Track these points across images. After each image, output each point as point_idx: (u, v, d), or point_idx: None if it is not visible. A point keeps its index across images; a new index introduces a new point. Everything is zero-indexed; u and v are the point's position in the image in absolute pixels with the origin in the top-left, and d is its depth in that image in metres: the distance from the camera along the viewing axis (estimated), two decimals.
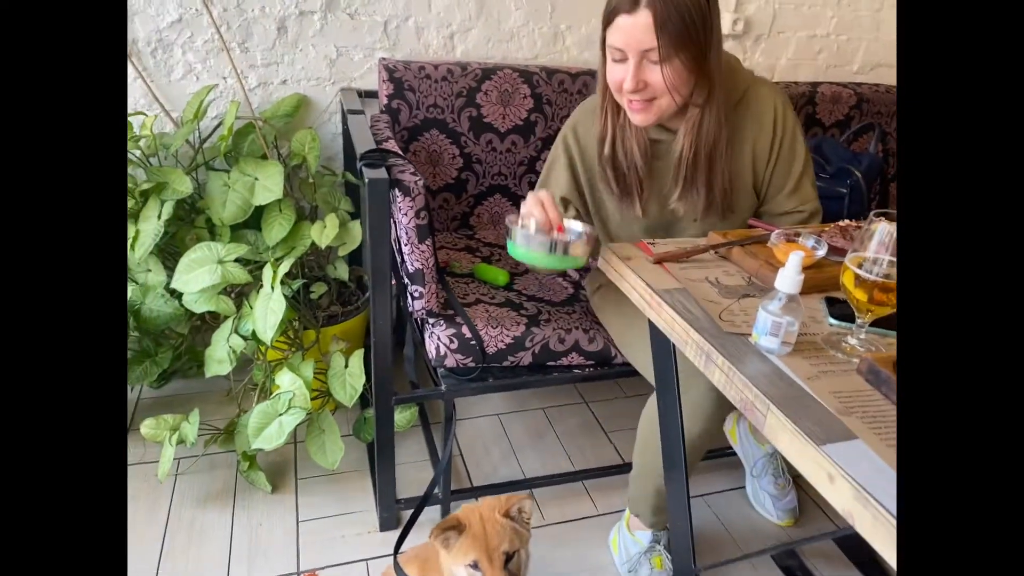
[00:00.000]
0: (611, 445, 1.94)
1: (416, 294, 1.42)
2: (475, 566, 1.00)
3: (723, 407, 1.23)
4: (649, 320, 1.05)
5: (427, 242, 1.36)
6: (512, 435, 1.94)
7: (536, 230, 1.08)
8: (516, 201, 1.98)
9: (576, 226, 1.13)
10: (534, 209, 1.11)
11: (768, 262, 1.03)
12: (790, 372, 0.80)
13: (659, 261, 1.06)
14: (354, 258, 1.95)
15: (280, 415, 1.50)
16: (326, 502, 1.67)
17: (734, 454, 1.80)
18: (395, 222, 1.37)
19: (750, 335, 0.86)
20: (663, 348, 1.05)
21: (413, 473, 1.75)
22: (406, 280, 1.43)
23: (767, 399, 0.74)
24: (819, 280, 0.99)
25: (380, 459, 1.52)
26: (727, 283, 1.02)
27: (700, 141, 1.23)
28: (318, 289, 1.80)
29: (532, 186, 1.95)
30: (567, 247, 1.04)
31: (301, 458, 1.79)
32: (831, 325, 0.91)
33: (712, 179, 1.26)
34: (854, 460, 0.65)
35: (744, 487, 1.78)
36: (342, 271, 1.79)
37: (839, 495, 0.65)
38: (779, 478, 1.70)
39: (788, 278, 0.81)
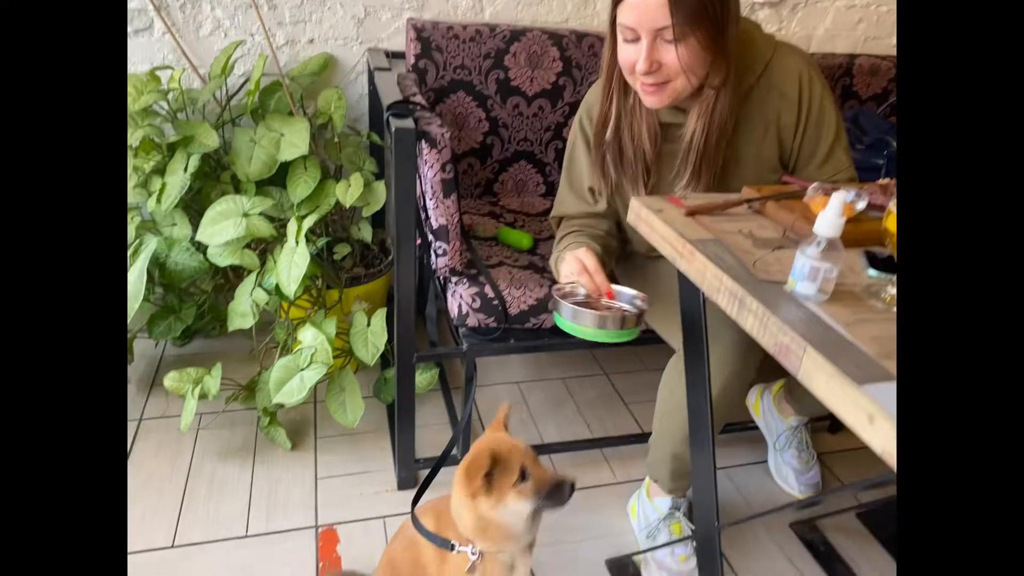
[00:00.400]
0: (631, 415, 1.92)
1: (440, 251, 1.41)
2: (523, 476, 0.96)
3: (751, 362, 1.21)
4: (678, 273, 1.03)
5: (452, 197, 1.35)
6: (531, 403, 1.93)
7: (584, 299, 1.05)
8: (541, 168, 1.96)
9: (626, 291, 1.10)
10: (580, 276, 1.11)
11: (804, 216, 1.00)
12: (827, 318, 0.77)
13: (691, 213, 1.03)
14: (377, 221, 1.95)
15: (301, 370, 1.50)
16: (345, 460, 1.67)
17: (756, 428, 1.77)
18: (420, 176, 1.35)
19: (785, 283, 0.84)
20: (692, 300, 1.03)
21: (432, 436, 1.75)
22: (430, 237, 1.42)
23: (804, 340, 0.72)
24: (858, 234, 0.95)
25: (400, 417, 1.52)
26: (761, 235, 0.99)
27: (713, 125, 1.17)
28: (341, 250, 1.80)
29: (559, 154, 1.92)
30: (623, 321, 1.00)
31: (321, 417, 1.80)
32: (870, 277, 0.88)
33: (718, 163, 1.22)
34: (895, 400, 0.63)
35: (766, 461, 1.75)
36: (366, 232, 1.78)
37: (878, 435, 0.63)
38: (803, 452, 1.67)
39: (828, 221, 0.78)
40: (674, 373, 1.31)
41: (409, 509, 1.14)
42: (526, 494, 0.97)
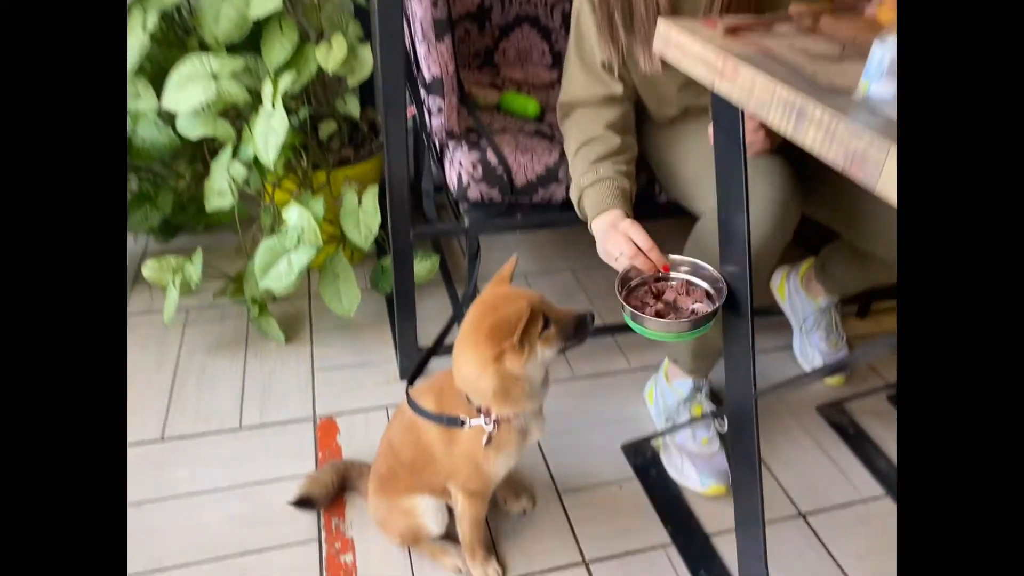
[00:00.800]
0: None
1: (434, 108, 1.25)
2: (547, 323, 0.90)
3: (787, 223, 1.08)
4: (714, 102, 0.87)
5: (445, 40, 1.17)
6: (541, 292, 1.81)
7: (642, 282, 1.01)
8: (547, 35, 1.75)
9: (684, 262, 1.03)
10: (635, 259, 1.02)
11: (868, 28, 0.83)
12: None
13: (731, 31, 0.86)
14: (366, 98, 1.77)
15: (288, 252, 1.37)
16: (343, 352, 1.57)
17: (779, 314, 1.66)
18: (408, 18, 1.17)
19: (853, 91, 0.68)
20: (730, 130, 0.88)
21: (434, 328, 1.64)
22: (423, 94, 1.26)
23: (887, 140, 0.58)
24: None
25: (399, 303, 1.40)
26: (816, 51, 0.83)
27: None
28: (327, 127, 1.63)
29: (566, 19, 1.71)
30: (708, 318, 0.95)
31: (316, 309, 1.69)
32: None
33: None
34: None
35: (791, 347, 1.65)
36: (352, 106, 1.61)
37: None
38: (831, 334, 1.56)
39: None
40: (700, 240, 1.18)
41: (408, 390, 1.04)
42: (552, 340, 0.91)
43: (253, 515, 1.19)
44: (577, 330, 0.94)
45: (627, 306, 0.96)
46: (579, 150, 1.19)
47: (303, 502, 1.16)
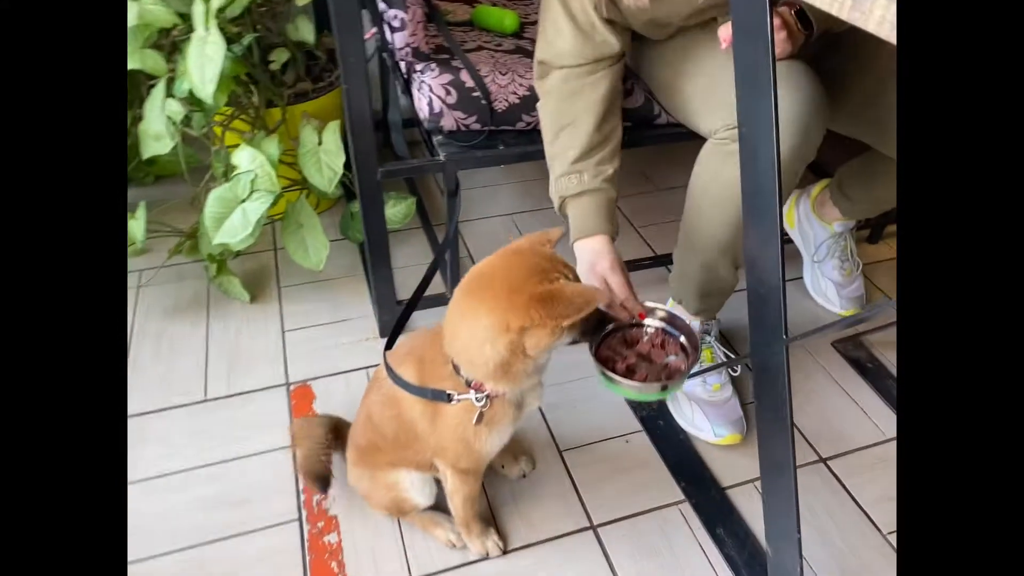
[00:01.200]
0: (641, 239, 1.67)
1: (396, 22, 1.07)
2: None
3: (819, 123, 0.94)
4: None
5: None
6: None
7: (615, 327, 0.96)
8: None
9: (659, 309, 0.98)
10: (609, 306, 0.95)
11: None
12: None
13: None
14: (321, 23, 1.56)
15: (242, 201, 1.21)
16: (316, 310, 1.44)
17: (789, 242, 1.53)
18: None
19: None
20: (754, 28, 0.72)
21: (414, 278, 1.49)
22: (382, 6, 1.07)
23: None
24: None
25: (372, 252, 1.25)
26: None
27: None
28: (278, 57, 1.44)
29: None
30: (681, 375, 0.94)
31: (284, 264, 1.54)
32: None
33: None
34: None
35: (801, 277, 1.53)
36: (305, 31, 1.41)
37: None
38: (845, 262, 1.44)
39: None
40: (710, 161, 1.03)
41: (385, 357, 0.90)
42: (575, 330, 0.80)
43: (225, 496, 1.08)
44: (596, 327, 0.88)
45: (597, 362, 0.93)
46: (558, 136, 1.05)
47: (318, 482, 1.02)
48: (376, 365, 1.28)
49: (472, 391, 0.81)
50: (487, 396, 0.81)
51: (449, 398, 0.82)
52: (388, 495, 0.97)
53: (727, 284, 1.14)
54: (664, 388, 0.93)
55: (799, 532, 0.83)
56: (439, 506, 1.01)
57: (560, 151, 1.06)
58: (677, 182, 1.90)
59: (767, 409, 0.85)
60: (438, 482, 0.98)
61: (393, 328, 1.00)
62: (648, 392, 0.95)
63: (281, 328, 1.39)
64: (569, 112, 1.04)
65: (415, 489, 0.95)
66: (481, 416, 0.82)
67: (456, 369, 0.81)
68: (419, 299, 0.99)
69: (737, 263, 1.11)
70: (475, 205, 1.77)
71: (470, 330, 0.78)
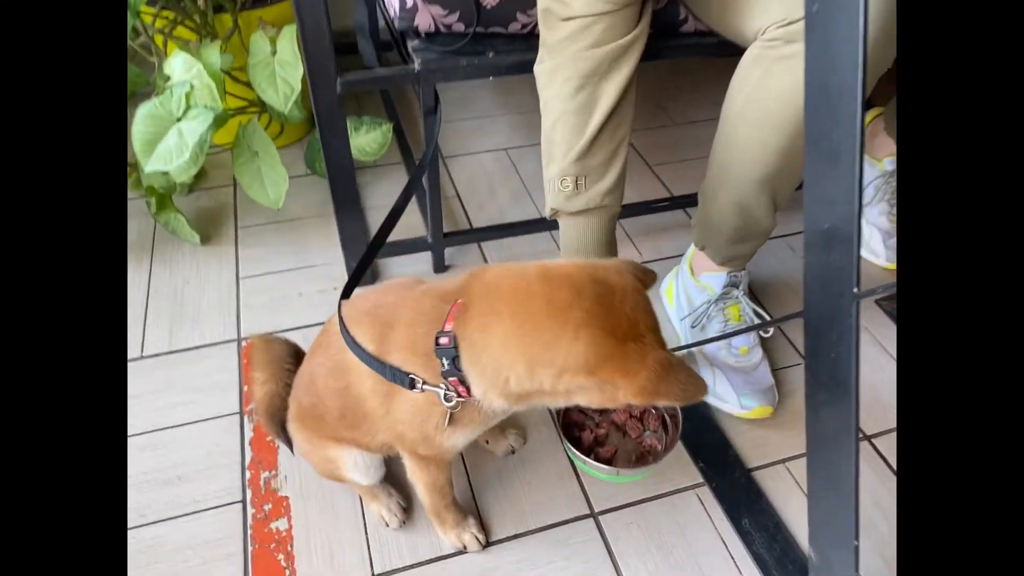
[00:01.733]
0: (656, 179, 1.46)
1: None
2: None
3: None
4: None
5: None
6: (525, 173, 1.46)
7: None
8: None
9: None
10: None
11: None
12: None
13: None
14: None
15: (178, 120, 1.00)
16: (277, 255, 1.24)
17: None
18: None
19: None
20: None
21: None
22: None
23: None
24: None
25: (334, 184, 1.05)
26: None
27: None
28: None
29: None
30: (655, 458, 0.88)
31: (244, 203, 1.34)
32: None
33: None
34: None
35: None
36: None
37: None
38: (895, 207, 1.23)
39: None
40: (753, 70, 0.82)
41: (341, 309, 0.71)
42: None
43: (156, 472, 0.91)
44: None
45: (565, 439, 0.87)
46: (557, 123, 0.85)
47: (284, 430, 0.83)
48: None
49: (444, 386, 0.62)
50: (459, 399, 0.62)
51: (412, 384, 0.63)
52: (327, 467, 0.81)
53: (763, 227, 0.94)
54: (637, 469, 0.87)
55: (857, 538, 0.65)
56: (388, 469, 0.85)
57: (561, 145, 0.85)
58: (697, 115, 1.69)
59: (823, 373, 0.65)
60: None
61: (353, 272, 0.80)
62: (610, 475, 0.87)
63: (236, 275, 1.20)
64: (575, 93, 0.82)
65: (358, 470, 0.78)
66: (449, 418, 0.64)
67: (444, 352, 0.61)
68: (386, 236, 0.79)
69: (777, 201, 0.91)
70: (464, 138, 1.55)
71: (529, 341, 0.57)
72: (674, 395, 0.58)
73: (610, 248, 0.92)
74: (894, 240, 1.24)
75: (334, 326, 0.71)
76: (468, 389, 0.62)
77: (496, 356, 0.59)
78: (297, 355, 0.86)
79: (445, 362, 0.61)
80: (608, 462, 0.87)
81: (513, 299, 0.58)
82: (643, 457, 0.88)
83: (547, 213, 0.92)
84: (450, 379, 0.62)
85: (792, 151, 0.82)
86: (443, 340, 0.61)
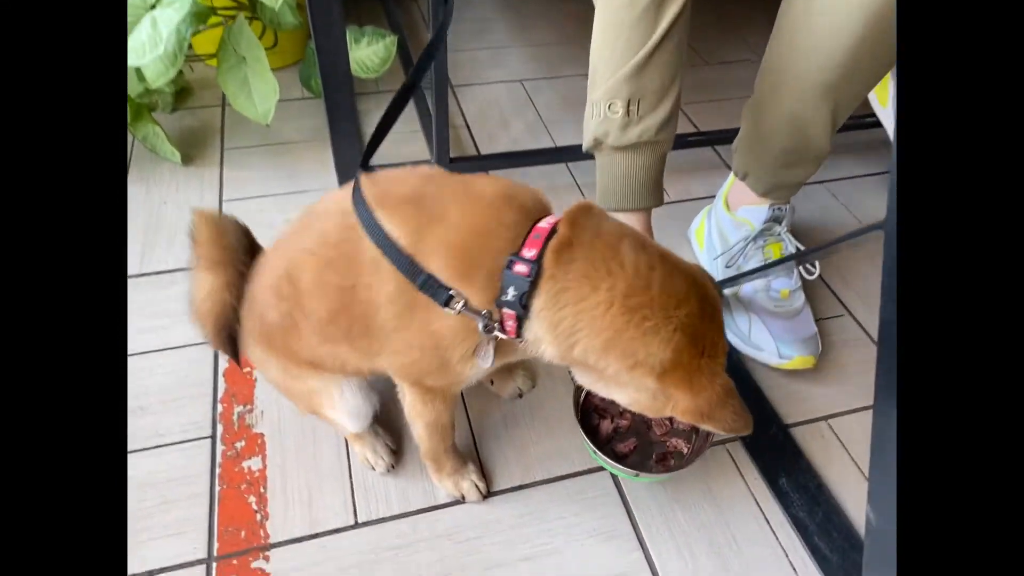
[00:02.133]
0: (687, 120, 1.34)
1: None
2: None
3: None
4: None
5: None
6: (540, 105, 1.34)
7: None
8: None
9: None
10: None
11: None
12: None
13: None
14: None
15: (151, 8, 0.88)
16: (265, 179, 1.13)
17: (872, 127, 1.20)
18: None
19: None
20: None
21: (397, 148, 1.19)
22: None
23: None
24: None
25: (330, 98, 0.94)
26: None
27: None
28: None
29: None
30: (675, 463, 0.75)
31: (233, 122, 1.22)
32: None
33: None
34: None
35: (885, 172, 1.20)
36: None
37: None
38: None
39: None
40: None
41: (359, 181, 0.59)
42: None
43: None
44: None
45: (582, 414, 0.76)
46: (609, 38, 0.71)
47: (231, 342, 0.68)
48: None
49: (487, 317, 0.51)
50: (496, 335, 0.52)
51: (448, 300, 0.51)
52: (306, 400, 0.69)
53: (817, 149, 0.82)
54: (652, 476, 0.72)
55: None
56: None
57: (612, 54, 0.71)
58: (729, 55, 1.55)
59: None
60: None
61: (370, 139, 0.66)
62: (627, 475, 0.73)
63: (219, 197, 1.09)
64: (631, 13, 0.69)
65: (348, 412, 0.67)
66: (477, 349, 0.53)
67: (516, 281, 0.50)
68: (392, 122, 0.66)
69: (836, 118, 0.79)
70: (478, 68, 1.43)
71: (626, 323, 0.50)
72: (724, 424, 0.54)
73: (658, 193, 0.79)
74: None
75: (334, 203, 0.59)
76: (518, 327, 0.51)
77: (583, 318, 0.50)
78: (251, 249, 0.71)
79: (512, 292, 0.50)
80: (624, 458, 0.74)
81: (633, 271, 0.50)
82: (665, 458, 0.75)
83: (585, 145, 0.80)
84: (505, 311, 0.51)
85: (870, 45, 0.70)
86: (520, 268, 0.50)
